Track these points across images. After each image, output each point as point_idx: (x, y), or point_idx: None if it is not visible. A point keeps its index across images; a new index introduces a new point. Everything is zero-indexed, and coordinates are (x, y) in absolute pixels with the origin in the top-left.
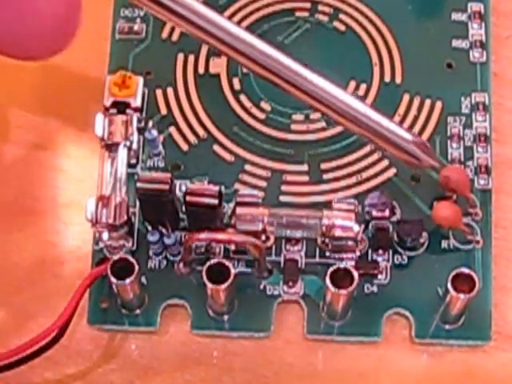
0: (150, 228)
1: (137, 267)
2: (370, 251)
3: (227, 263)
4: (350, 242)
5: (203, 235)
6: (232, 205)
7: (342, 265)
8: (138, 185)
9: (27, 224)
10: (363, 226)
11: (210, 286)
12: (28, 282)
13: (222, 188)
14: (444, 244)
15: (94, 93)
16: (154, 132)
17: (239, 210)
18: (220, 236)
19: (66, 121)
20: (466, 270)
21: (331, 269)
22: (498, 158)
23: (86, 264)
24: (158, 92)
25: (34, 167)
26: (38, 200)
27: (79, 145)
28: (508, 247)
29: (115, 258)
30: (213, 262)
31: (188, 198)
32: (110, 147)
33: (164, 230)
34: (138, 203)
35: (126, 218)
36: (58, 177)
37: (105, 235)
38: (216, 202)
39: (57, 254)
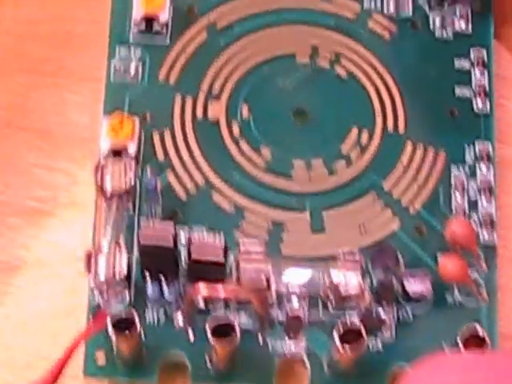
0: (148, 278)
1: (138, 324)
2: (374, 305)
3: (232, 321)
4: (355, 297)
5: (206, 290)
6: (233, 255)
7: (349, 321)
8: (141, 240)
9: (27, 224)
10: (368, 280)
11: (214, 342)
12: (28, 282)
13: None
14: (449, 298)
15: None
16: (152, 178)
17: (243, 265)
18: (224, 293)
19: (67, 125)
20: (476, 330)
21: (339, 328)
22: (499, 159)
23: None
24: (155, 136)
25: (34, 167)
26: (38, 200)
27: (80, 145)
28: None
29: (116, 314)
30: (218, 321)
31: (193, 256)
32: (107, 194)
33: (163, 280)
34: (135, 253)
35: (125, 272)
36: (58, 177)
37: (102, 287)
38: (222, 259)
39: (57, 253)
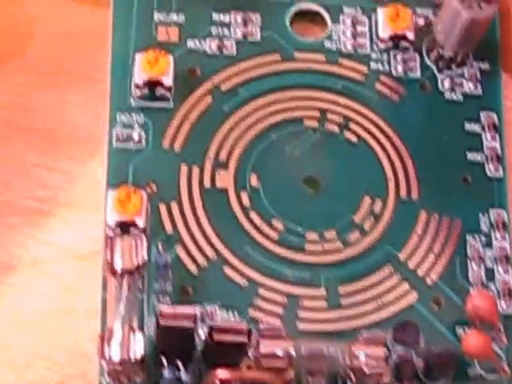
0: (164, 359)
1: None
2: (393, 381)
3: None
4: (376, 374)
5: (231, 375)
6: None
7: None
8: (161, 322)
9: (27, 224)
10: (387, 355)
11: None
12: (28, 281)
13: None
14: (470, 372)
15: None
16: (162, 254)
17: (262, 344)
18: (249, 375)
19: (67, 125)
20: None
21: None
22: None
23: (85, 264)
24: (162, 208)
25: (34, 167)
26: (37, 200)
27: (80, 145)
28: None
29: None
30: None
31: (216, 337)
32: (117, 273)
33: (180, 364)
34: (146, 333)
35: (142, 353)
36: (58, 176)
37: (116, 371)
38: (245, 339)
39: (56, 253)
